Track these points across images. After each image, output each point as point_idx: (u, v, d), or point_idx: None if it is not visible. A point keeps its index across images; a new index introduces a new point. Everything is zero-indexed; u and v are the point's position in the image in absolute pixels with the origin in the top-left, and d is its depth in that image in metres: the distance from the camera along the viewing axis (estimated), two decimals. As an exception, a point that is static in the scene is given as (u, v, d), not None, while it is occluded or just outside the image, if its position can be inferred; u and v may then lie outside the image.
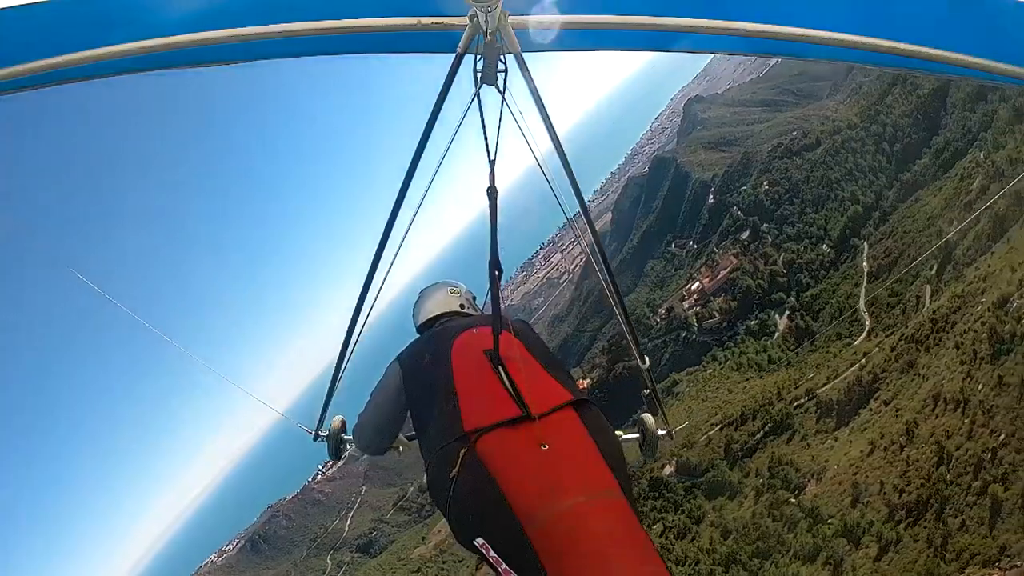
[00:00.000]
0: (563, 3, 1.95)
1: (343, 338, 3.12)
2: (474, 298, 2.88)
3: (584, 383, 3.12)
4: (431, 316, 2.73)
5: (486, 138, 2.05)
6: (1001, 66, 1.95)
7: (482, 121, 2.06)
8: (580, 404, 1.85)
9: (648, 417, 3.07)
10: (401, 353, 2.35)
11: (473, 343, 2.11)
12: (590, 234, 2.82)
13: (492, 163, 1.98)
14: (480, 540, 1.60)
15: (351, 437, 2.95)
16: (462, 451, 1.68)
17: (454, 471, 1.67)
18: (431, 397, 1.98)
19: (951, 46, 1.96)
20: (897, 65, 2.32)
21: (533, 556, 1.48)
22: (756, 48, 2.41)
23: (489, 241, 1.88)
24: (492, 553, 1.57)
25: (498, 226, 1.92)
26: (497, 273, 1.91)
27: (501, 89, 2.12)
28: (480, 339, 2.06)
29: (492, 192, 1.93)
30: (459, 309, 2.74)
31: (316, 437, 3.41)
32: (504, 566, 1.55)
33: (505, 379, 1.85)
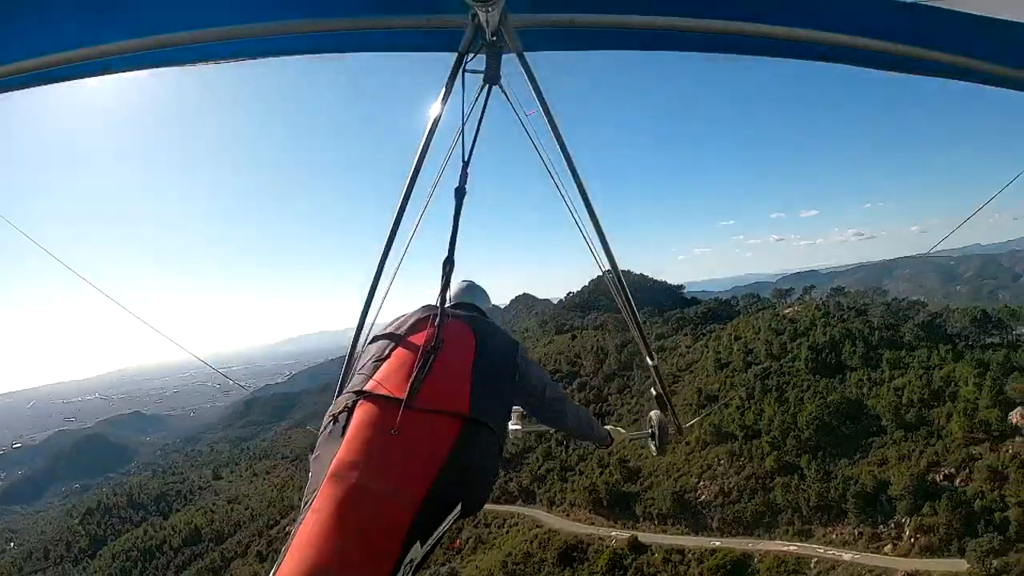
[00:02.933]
0: (564, 3, 1.98)
1: (352, 337, 3.14)
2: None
3: None
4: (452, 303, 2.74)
5: (463, 136, 2.09)
6: (1001, 69, 1.95)
7: (480, 121, 2.09)
8: (471, 422, 1.83)
9: (658, 414, 3.06)
10: (399, 315, 2.44)
11: (432, 328, 2.13)
12: (595, 229, 2.83)
13: (466, 163, 2.03)
14: (309, 483, 1.74)
15: None
16: (347, 404, 1.83)
17: (332, 414, 1.84)
18: (373, 354, 2.09)
19: (951, 48, 1.97)
20: (897, 67, 2.32)
21: (306, 508, 1.59)
22: (755, 49, 2.42)
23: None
24: (306, 490, 1.71)
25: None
26: (449, 268, 2.02)
27: (502, 88, 2.15)
28: (446, 328, 2.09)
29: (460, 192, 2.01)
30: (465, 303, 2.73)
31: None
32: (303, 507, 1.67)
33: (421, 365, 1.90)
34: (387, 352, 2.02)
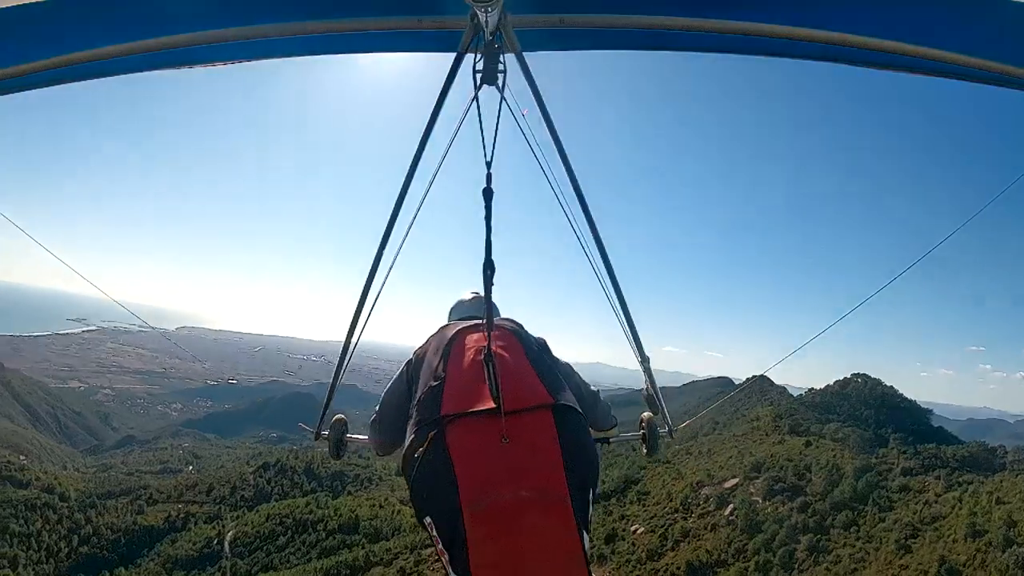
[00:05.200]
0: (563, 3, 1.95)
1: (343, 338, 3.13)
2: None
3: None
4: (459, 317, 2.76)
5: (483, 138, 2.06)
6: (1005, 68, 1.94)
7: (480, 121, 2.07)
8: (560, 409, 1.88)
9: (649, 415, 3.08)
10: (418, 347, 2.42)
11: (476, 339, 2.15)
12: (590, 231, 2.82)
13: (489, 164, 2.00)
14: (428, 519, 1.70)
15: (367, 437, 2.99)
16: (431, 433, 1.78)
17: (421, 451, 1.78)
18: (425, 382, 2.06)
19: (952, 46, 1.95)
20: (897, 66, 2.31)
21: (462, 538, 1.56)
22: (755, 48, 2.41)
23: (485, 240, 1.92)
24: (434, 532, 1.68)
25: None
26: (490, 272, 1.95)
27: (501, 89, 2.12)
28: (483, 337, 2.08)
29: (488, 193, 1.98)
30: (480, 313, 2.74)
31: (317, 436, 3.41)
32: (440, 546, 1.65)
33: (489, 373, 1.87)
34: (439, 374, 1.99)
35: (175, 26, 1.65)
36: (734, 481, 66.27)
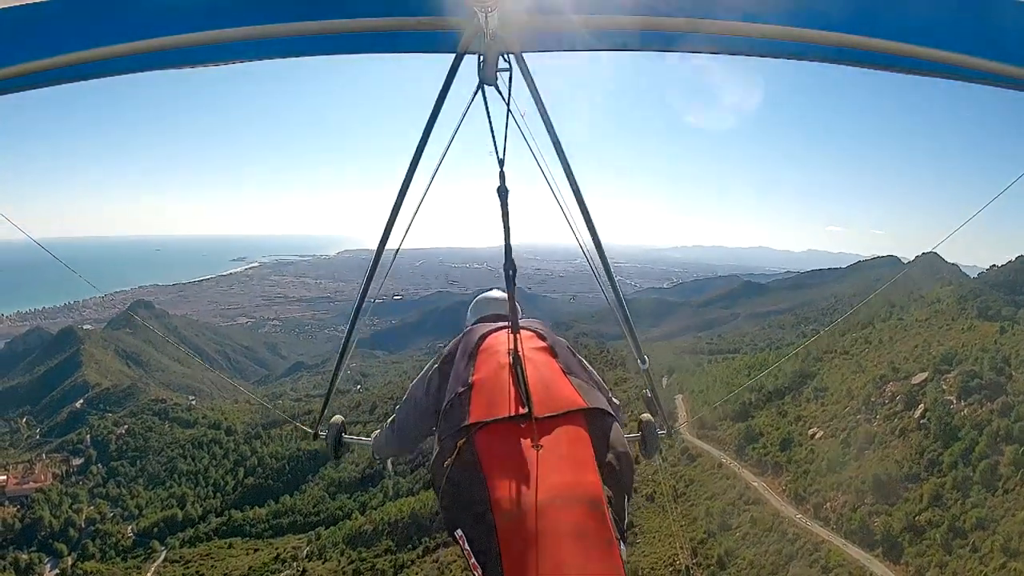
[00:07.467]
0: (563, 3, 1.95)
1: (343, 339, 3.13)
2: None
3: None
4: (482, 316, 2.73)
5: (494, 138, 2.05)
6: (1006, 68, 1.93)
7: (489, 121, 2.06)
8: (592, 413, 1.82)
9: (648, 417, 3.07)
10: (443, 347, 2.36)
11: (502, 341, 2.10)
12: (589, 233, 2.81)
13: (501, 163, 1.99)
14: (459, 532, 1.63)
15: (366, 438, 2.97)
16: (460, 442, 1.71)
17: (450, 460, 1.71)
18: (452, 388, 1.99)
19: (952, 46, 1.95)
20: (897, 66, 2.30)
21: (496, 548, 1.50)
22: (755, 48, 2.40)
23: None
24: (466, 546, 1.60)
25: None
26: (511, 272, 1.91)
27: (501, 89, 2.12)
28: (510, 340, 2.04)
29: (503, 191, 1.94)
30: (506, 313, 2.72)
31: (316, 436, 3.41)
32: (473, 560, 1.57)
33: (520, 378, 1.83)
34: (466, 380, 1.93)
35: (175, 26, 1.64)
36: (923, 376, 56.33)
